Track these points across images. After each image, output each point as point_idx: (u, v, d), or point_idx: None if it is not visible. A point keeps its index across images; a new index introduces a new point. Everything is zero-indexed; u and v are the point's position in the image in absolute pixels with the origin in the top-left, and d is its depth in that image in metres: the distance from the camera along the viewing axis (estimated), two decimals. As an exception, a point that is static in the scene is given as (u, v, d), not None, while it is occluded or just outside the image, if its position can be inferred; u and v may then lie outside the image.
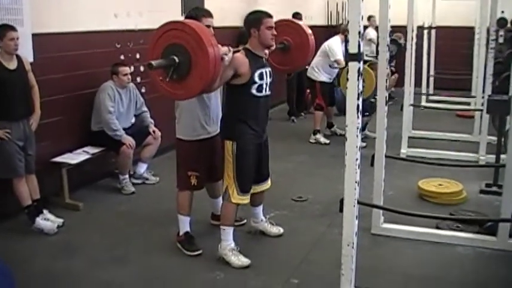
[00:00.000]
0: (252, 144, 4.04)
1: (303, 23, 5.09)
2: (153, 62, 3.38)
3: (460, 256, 4.25)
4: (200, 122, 4.25)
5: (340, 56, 7.67)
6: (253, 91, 3.98)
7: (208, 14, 4.19)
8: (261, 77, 3.99)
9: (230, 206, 4.07)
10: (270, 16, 4.10)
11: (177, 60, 3.44)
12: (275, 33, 4.07)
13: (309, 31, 4.84)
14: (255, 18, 4.07)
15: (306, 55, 4.79)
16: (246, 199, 4.07)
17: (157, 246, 4.46)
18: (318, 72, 7.95)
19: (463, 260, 4.19)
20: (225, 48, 3.74)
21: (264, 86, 4.04)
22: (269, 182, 4.43)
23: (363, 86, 3.00)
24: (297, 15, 9.58)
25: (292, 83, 9.72)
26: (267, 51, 4.17)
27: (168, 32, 3.52)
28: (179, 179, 4.38)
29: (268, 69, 4.10)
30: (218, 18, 7.44)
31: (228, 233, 4.12)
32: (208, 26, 4.10)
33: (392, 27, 4.42)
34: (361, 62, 2.91)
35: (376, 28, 6.97)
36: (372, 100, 6.73)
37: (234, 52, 3.90)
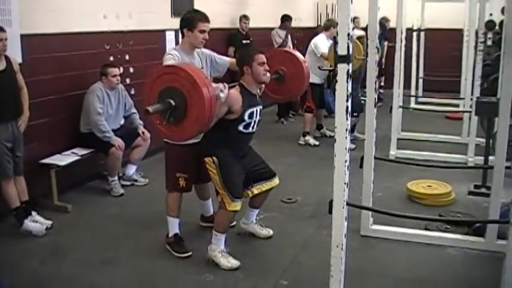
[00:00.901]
0: (232, 156, 4.08)
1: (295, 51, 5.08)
2: (150, 108, 3.39)
3: (449, 257, 4.27)
4: None
5: (325, 50, 7.64)
6: (240, 128, 4.05)
7: (206, 19, 4.17)
8: (250, 116, 4.07)
9: (225, 213, 4.06)
10: (262, 52, 4.14)
11: (173, 103, 3.44)
12: (268, 68, 4.11)
13: (303, 58, 4.85)
14: (247, 56, 4.12)
15: (301, 83, 4.79)
16: (239, 205, 4.06)
17: (147, 248, 4.45)
18: (311, 73, 7.92)
19: (452, 261, 4.21)
20: (220, 85, 3.74)
21: (252, 123, 4.12)
22: (275, 180, 4.44)
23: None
24: (286, 18, 9.61)
25: None
26: (262, 85, 4.25)
27: (162, 76, 3.55)
28: (168, 181, 4.38)
29: (259, 108, 4.16)
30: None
31: (219, 239, 4.12)
32: (203, 31, 4.11)
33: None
34: (350, 64, 2.92)
35: (362, 29, 7.00)
36: (363, 100, 6.74)
37: (230, 88, 3.91)
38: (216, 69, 4.45)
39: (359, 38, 7.23)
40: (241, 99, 3.99)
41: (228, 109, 3.93)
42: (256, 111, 4.12)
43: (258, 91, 4.24)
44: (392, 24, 9.26)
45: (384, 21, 10.24)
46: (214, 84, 3.65)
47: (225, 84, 3.81)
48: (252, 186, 4.29)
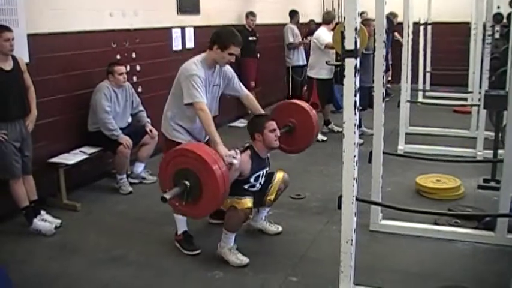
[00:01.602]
0: None
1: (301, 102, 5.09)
2: (166, 195, 3.44)
3: (459, 252, 4.25)
4: (189, 134, 4.28)
5: (328, 40, 7.64)
6: (245, 186, 4.15)
7: (239, 44, 4.18)
8: (256, 179, 4.19)
9: (237, 212, 4.02)
10: (272, 119, 4.24)
11: (188, 184, 3.50)
12: (278, 134, 4.19)
13: (309, 107, 4.85)
14: (258, 123, 4.19)
15: (311, 134, 4.80)
16: (249, 201, 4.03)
17: (156, 245, 4.46)
18: (316, 68, 7.92)
19: (462, 256, 4.19)
20: (232, 153, 3.80)
21: (257, 185, 4.24)
22: (277, 174, 4.45)
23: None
24: (293, 13, 9.58)
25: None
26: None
27: (173, 159, 3.61)
28: None
29: (265, 170, 4.29)
30: (214, 17, 7.45)
31: (229, 238, 4.11)
32: (232, 54, 4.13)
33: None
34: (358, 59, 2.90)
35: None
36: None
37: (241, 152, 4.00)
38: (228, 92, 4.45)
39: (363, 21, 7.23)
40: (250, 163, 4.09)
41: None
42: (263, 173, 4.25)
43: (268, 155, 4.34)
44: (399, 18, 9.22)
45: (391, 17, 10.21)
46: (225, 152, 3.73)
47: (236, 150, 3.88)
48: (265, 196, 4.35)
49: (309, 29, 10.90)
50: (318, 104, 7.97)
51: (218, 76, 4.28)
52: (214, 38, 4.14)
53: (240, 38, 4.21)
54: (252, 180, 4.16)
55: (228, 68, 4.36)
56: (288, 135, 4.63)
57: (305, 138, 4.79)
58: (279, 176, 4.45)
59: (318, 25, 9.06)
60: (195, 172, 3.48)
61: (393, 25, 10.72)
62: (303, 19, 10.77)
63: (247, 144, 4.24)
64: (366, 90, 6.68)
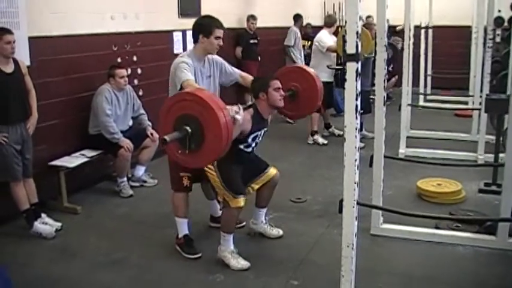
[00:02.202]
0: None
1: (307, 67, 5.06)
2: (167, 137, 3.37)
3: (460, 256, 4.25)
4: None
5: (330, 43, 7.65)
6: (241, 147, 4.11)
7: (221, 25, 4.17)
8: (254, 138, 4.14)
9: (230, 211, 4.05)
10: (277, 78, 4.19)
11: (189, 130, 3.42)
12: (283, 93, 4.15)
13: (314, 72, 4.82)
14: (263, 82, 4.15)
15: (315, 99, 4.74)
16: (242, 201, 4.04)
17: (156, 249, 4.45)
18: (317, 72, 7.89)
19: (463, 260, 4.19)
20: (235, 107, 3.72)
21: (253, 145, 4.19)
22: (271, 170, 4.41)
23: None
24: (298, 17, 9.58)
25: None
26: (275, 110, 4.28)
27: (176, 104, 3.53)
28: (172, 181, 4.38)
29: (264, 130, 4.24)
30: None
31: (227, 240, 4.11)
32: (219, 38, 4.11)
33: (389, 27, 4.42)
34: (359, 63, 2.90)
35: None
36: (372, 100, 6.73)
37: (244, 109, 3.93)
38: (224, 79, 4.43)
39: (365, 25, 7.25)
40: (251, 123, 4.05)
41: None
42: (261, 134, 4.20)
43: (270, 116, 4.29)
44: (400, 22, 9.21)
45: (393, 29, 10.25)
46: (228, 107, 3.62)
47: (239, 105, 3.80)
48: (251, 182, 4.30)
49: (305, 32, 10.88)
50: (321, 107, 7.96)
51: (209, 67, 4.28)
52: (196, 29, 4.16)
53: (219, 20, 4.22)
54: (249, 140, 4.10)
55: (216, 57, 4.36)
56: (290, 100, 4.57)
57: (308, 104, 4.75)
58: (272, 172, 4.41)
59: (315, 28, 9.11)
60: (198, 118, 3.39)
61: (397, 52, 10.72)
62: (304, 22, 10.79)
63: (250, 103, 4.19)
64: (366, 94, 6.69)
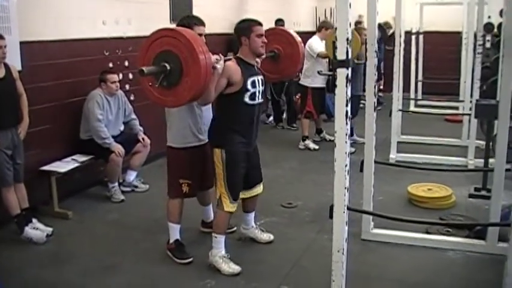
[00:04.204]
0: (241, 153, 4.04)
1: (292, 30, 5.09)
2: (145, 69, 3.37)
3: (450, 260, 4.27)
4: (191, 130, 4.24)
5: (321, 49, 7.67)
6: (246, 99, 3.99)
7: (200, 22, 4.19)
8: (253, 84, 4.00)
9: (223, 214, 4.08)
10: (260, 24, 4.11)
11: (168, 67, 3.44)
12: (265, 40, 4.08)
13: (299, 39, 4.84)
14: (245, 27, 4.08)
15: (296, 63, 4.79)
16: (235, 207, 4.09)
17: (148, 254, 4.45)
18: (310, 77, 7.90)
19: (453, 265, 4.21)
20: (216, 56, 3.72)
21: (257, 93, 4.05)
22: (261, 186, 4.44)
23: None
24: (279, 22, 9.50)
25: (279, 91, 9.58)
26: (258, 59, 4.18)
27: (160, 39, 3.52)
28: (170, 187, 4.37)
29: (260, 77, 4.11)
30: (207, 25, 7.40)
31: (219, 241, 4.12)
32: (200, 35, 4.11)
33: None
34: (350, 69, 2.92)
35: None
36: (362, 105, 6.76)
37: (225, 61, 3.89)
38: None
39: (357, 29, 7.29)
40: (239, 69, 3.94)
41: (228, 81, 3.89)
42: (258, 80, 4.07)
43: (257, 63, 4.19)
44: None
45: (385, 27, 10.26)
46: (210, 54, 3.63)
47: (220, 55, 3.80)
48: (244, 190, 4.30)
49: None
50: (313, 113, 7.98)
51: None
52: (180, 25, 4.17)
53: (199, 17, 4.27)
54: (249, 86, 3.98)
55: None
56: (273, 62, 4.59)
57: (288, 68, 4.81)
58: (260, 189, 4.44)
59: (309, 34, 9.11)
60: (179, 57, 3.41)
61: (386, 35, 10.77)
62: (295, 28, 10.78)
63: (232, 56, 4.15)
64: (356, 98, 6.71)
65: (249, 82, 3.97)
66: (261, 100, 4.13)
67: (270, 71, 4.68)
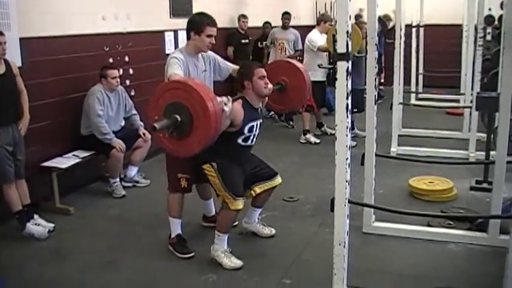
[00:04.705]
0: (231, 162, 4.10)
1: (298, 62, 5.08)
2: (157, 124, 3.38)
3: (452, 253, 4.27)
4: None
5: (321, 42, 7.66)
6: (239, 141, 4.10)
7: (213, 23, 4.16)
8: (250, 129, 4.11)
9: (228, 213, 4.05)
10: (261, 66, 4.20)
11: (179, 119, 3.44)
12: (268, 82, 4.14)
13: (304, 68, 4.85)
14: (247, 70, 4.14)
15: (302, 94, 4.77)
16: (241, 204, 4.05)
17: (149, 249, 4.45)
18: (311, 71, 7.87)
19: (455, 257, 4.21)
20: (224, 99, 3.73)
21: (251, 137, 4.17)
22: (277, 179, 4.44)
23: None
24: (285, 15, 9.48)
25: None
26: (265, 98, 4.31)
27: (168, 91, 3.55)
28: (169, 182, 4.37)
29: (259, 121, 4.21)
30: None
31: (222, 239, 4.12)
32: (210, 36, 4.11)
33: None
34: (350, 62, 2.91)
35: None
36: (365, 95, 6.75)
37: (233, 101, 3.92)
38: (218, 74, 4.45)
39: (358, 23, 7.28)
40: (243, 113, 4.02)
41: (230, 123, 3.95)
42: (256, 125, 4.17)
43: (261, 105, 4.30)
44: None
45: (385, 20, 10.23)
46: (218, 98, 3.64)
47: (228, 97, 3.80)
48: (255, 185, 4.30)
49: (263, 32, 9.91)
50: (314, 106, 7.97)
51: (203, 62, 4.29)
52: (189, 26, 4.16)
53: (213, 18, 4.21)
54: (246, 131, 4.07)
55: (209, 52, 4.36)
56: (279, 94, 4.58)
57: (296, 99, 4.77)
58: (278, 180, 4.44)
59: (306, 28, 9.10)
60: (188, 106, 3.41)
61: (386, 28, 10.74)
62: (295, 22, 10.74)
63: (239, 95, 4.18)
64: (360, 92, 6.70)
65: (247, 127, 4.08)
66: (253, 143, 4.24)
67: (277, 102, 4.67)
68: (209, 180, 4.14)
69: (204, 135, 3.47)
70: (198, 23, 4.11)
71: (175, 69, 3.95)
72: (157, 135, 3.59)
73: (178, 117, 3.44)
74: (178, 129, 3.47)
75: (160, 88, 3.63)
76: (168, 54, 7.29)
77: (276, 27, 9.53)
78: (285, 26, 9.12)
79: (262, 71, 4.12)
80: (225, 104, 3.69)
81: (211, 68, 4.36)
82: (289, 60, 5.09)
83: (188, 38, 4.19)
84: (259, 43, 9.70)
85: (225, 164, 4.03)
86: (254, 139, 4.22)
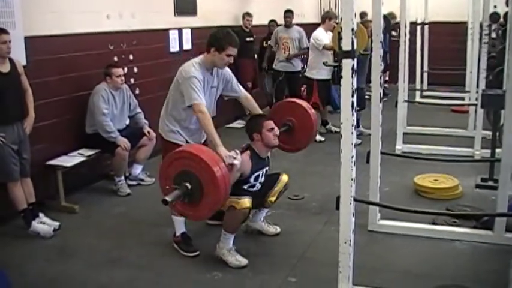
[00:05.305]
0: None
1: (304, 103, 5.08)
2: (168, 198, 3.42)
3: (457, 251, 4.26)
4: (192, 131, 4.28)
5: (326, 41, 7.64)
6: (245, 187, 4.16)
7: (236, 44, 4.16)
8: (256, 178, 4.20)
9: (236, 213, 4.02)
10: (270, 118, 4.27)
11: (189, 186, 3.47)
12: (277, 133, 4.19)
13: (309, 106, 4.86)
14: (256, 124, 4.20)
15: (310, 134, 4.79)
16: (248, 202, 4.02)
17: (154, 247, 4.46)
18: (316, 69, 7.89)
19: (460, 255, 4.20)
20: (232, 153, 3.79)
21: (258, 185, 4.25)
22: (283, 177, 4.47)
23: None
24: (287, 13, 9.35)
25: (281, 85, 9.31)
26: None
27: (175, 161, 3.58)
28: None
29: (266, 169, 4.30)
30: (211, 18, 7.43)
31: (228, 239, 4.11)
32: (230, 56, 4.13)
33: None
34: (355, 60, 2.91)
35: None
36: (367, 96, 6.73)
37: (241, 152, 3.98)
38: (227, 93, 4.46)
39: (363, 22, 7.26)
40: (251, 164, 4.09)
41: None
42: (262, 173, 4.25)
43: (268, 154, 4.35)
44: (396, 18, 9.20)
45: (389, 17, 10.19)
46: (225, 153, 3.72)
47: (236, 150, 3.87)
48: (267, 196, 4.36)
49: (269, 31, 9.64)
50: (319, 104, 7.95)
51: (216, 78, 4.28)
52: (211, 41, 4.14)
53: (236, 38, 4.21)
54: (251, 180, 4.17)
55: (227, 70, 4.36)
56: (287, 134, 4.62)
57: (304, 137, 4.79)
58: (284, 179, 4.46)
59: (312, 26, 9.04)
60: (196, 174, 3.46)
61: (391, 25, 10.72)
62: (299, 19, 10.71)
63: (246, 145, 4.24)
64: (361, 91, 6.70)
65: (253, 177, 4.17)
66: (258, 188, 4.28)
67: (285, 142, 4.65)
68: None
69: (214, 200, 3.51)
70: (221, 41, 4.10)
71: (200, 96, 3.98)
72: (173, 206, 3.63)
73: (188, 185, 3.47)
74: (190, 195, 3.50)
75: (168, 158, 3.67)
76: (172, 53, 7.37)
77: (280, 25, 9.44)
78: (287, 25, 8.96)
79: (271, 124, 4.19)
80: (234, 158, 3.76)
81: (221, 85, 4.37)
82: (293, 100, 5.10)
83: (208, 51, 4.16)
84: (264, 42, 9.55)
85: None
86: (259, 186, 4.29)
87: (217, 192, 3.46)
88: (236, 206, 3.99)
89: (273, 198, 4.38)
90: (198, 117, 3.98)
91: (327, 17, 7.98)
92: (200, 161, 3.46)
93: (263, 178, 4.29)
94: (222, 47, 4.08)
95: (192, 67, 4.10)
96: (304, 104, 4.86)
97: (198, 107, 3.95)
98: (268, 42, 9.21)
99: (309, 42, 8.36)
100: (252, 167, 4.12)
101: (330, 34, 7.69)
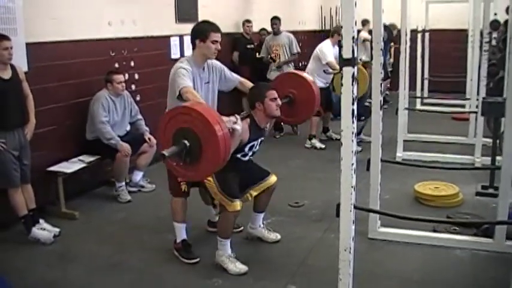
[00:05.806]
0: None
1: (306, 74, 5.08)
2: (165, 152, 3.36)
3: (458, 259, 4.25)
4: None
5: (331, 58, 7.64)
6: (238, 155, 4.12)
7: (217, 29, 4.17)
8: (250, 148, 4.18)
9: (227, 216, 4.05)
10: (273, 88, 4.21)
11: (187, 144, 3.41)
12: (279, 103, 4.17)
13: (312, 80, 4.85)
14: (259, 92, 4.16)
15: (311, 107, 4.75)
16: (238, 205, 4.04)
17: (155, 254, 4.45)
18: (315, 78, 7.89)
19: (461, 263, 4.20)
20: (232, 118, 3.74)
21: (250, 154, 4.23)
22: (273, 177, 4.44)
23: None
24: (274, 20, 9.15)
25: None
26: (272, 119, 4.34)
27: (174, 117, 3.52)
28: (171, 186, 4.38)
29: (261, 139, 4.27)
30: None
31: (224, 245, 4.11)
32: (216, 42, 4.12)
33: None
34: (356, 67, 2.91)
35: (370, 32, 7.01)
36: (367, 104, 6.73)
37: (242, 119, 3.94)
38: (223, 85, 4.44)
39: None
40: (249, 132, 4.06)
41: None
42: (258, 143, 4.23)
43: (267, 126, 4.33)
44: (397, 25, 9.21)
45: (391, 28, 10.20)
46: (225, 118, 3.64)
47: (236, 116, 3.82)
48: (249, 188, 4.31)
49: (260, 39, 9.42)
50: (320, 111, 7.94)
51: (208, 72, 4.28)
52: (192, 35, 4.17)
53: (215, 24, 4.23)
54: (246, 149, 4.14)
55: (216, 62, 4.36)
56: (288, 106, 4.58)
57: (305, 110, 4.75)
58: (272, 180, 4.43)
59: (311, 33, 9.02)
60: (196, 132, 3.39)
61: (392, 36, 10.73)
62: (300, 27, 10.73)
63: (246, 113, 4.20)
64: (362, 100, 6.70)
65: (248, 146, 4.14)
66: (251, 158, 4.28)
67: (286, 115, 4.62)
68: (205, 184, 4.13)
69: (214, 159, 3.46)
70: (202, 30, 4.13)
71: (186, 81, 3.92)
72: (171, 164, 3.57)
73: (186, 142, 3.42)
74: (188, 154, 3.44)
75: (165, 116, 3.62)
76: (173, 59, 7.37)
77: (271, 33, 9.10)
78: (275, 32, 8.80)
79: (274, 93, 4.15)
80: (235, 123, 3.72)
81: (216, 79, 4.35)
82: (297, 72, 5.09)
83: (193, 47, 4.19)
84: (257, 54, 9.13)
85: (221, 169, 4.01)
86: (252, 155, 4.28)
87: (216, 152, 3.39)
88: (227, 207, 4.00)
89: (253, 193, 4.34)
90: (186, 99, 3.81)
91: (336, 32, 7.97)
92: (201, 118, 3.38)
93: (257, 147, 4.25)
94: (205, 35, 4.09)
95: (180, 62, 4.13)
96: (307, 76, 4.86)
97: (184, 89, 3.86)
98: (261, 54, 9.00)
99: (299, 47, 8.39)
100: (250, 136, 4.07)
101: (337, 48, 7.69)
